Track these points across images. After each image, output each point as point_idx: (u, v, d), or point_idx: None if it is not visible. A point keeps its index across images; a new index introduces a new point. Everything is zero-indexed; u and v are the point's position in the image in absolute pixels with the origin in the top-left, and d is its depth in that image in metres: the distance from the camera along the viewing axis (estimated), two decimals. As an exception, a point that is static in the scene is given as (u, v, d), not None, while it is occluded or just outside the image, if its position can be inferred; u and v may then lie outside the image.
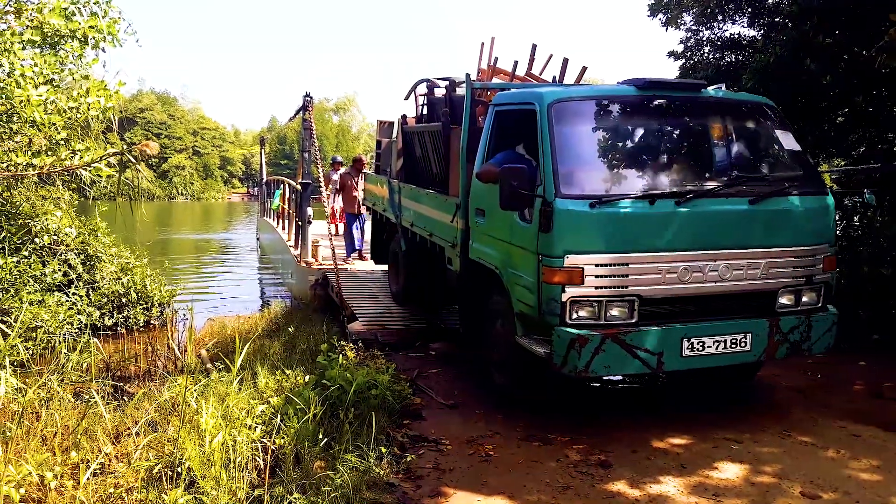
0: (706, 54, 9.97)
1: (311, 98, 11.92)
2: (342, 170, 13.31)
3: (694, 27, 9.86)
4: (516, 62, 7.93)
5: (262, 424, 4.37)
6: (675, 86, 5.20)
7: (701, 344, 4.54)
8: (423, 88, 8.38)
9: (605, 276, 4.41)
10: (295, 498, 3.58)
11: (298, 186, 12.65)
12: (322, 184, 11.07)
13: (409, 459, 4.34)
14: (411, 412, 5.22)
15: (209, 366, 6.07)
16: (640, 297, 4.47)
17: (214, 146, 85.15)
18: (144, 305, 10.02)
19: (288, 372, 5.51)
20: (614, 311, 4.45)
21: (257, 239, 23.57)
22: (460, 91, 7.06)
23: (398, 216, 8.08)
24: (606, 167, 4.84)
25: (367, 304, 8.96)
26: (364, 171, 12.03)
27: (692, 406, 5.32)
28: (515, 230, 4.86)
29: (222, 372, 5.36)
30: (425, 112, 8.21)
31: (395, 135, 8.94)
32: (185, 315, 10.12)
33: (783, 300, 4.81)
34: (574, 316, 4.42)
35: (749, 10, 9.29)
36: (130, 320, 9.70)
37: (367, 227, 11.54)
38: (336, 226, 13.39)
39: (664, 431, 4.76)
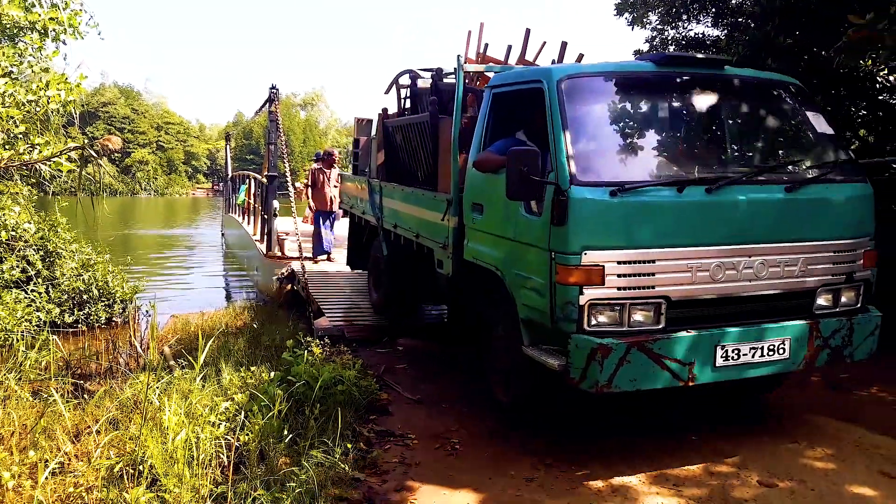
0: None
1: (278, 90, 11.79)
2: (314, 165, 12.71)
3: (659, 26, 9.97)
4: (510, 47, 7.49)
5: (226, 421, 4.33)
6: (696, 62, 4.61)
7: (736, 352, 4.02)
8: (405, 80, 7.83)
9: (629, 276, 3.89)
10: (259, 494, 3.56)
11: (264, 180, 12.52)
12: (289, 179, 10.91)
13: (375, 454, 4.34)
14: (378, 407, 5.22)
15: (172, 363, 5.98)
16: (667, 298, 3.95)
17: (179, 141, 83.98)
18: (106, 302, 9.84)
19: (253, 369, 5.46)
20: (639, 316, 3.93)
21: (222, 235, 23.30)
22: (449, 80, 6.67)
23: (379, 218, 7.41)
24: (625, 151, 4.31)
25: (335, 299, 8.92)
26: (335, 167, 11.63)
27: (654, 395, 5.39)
28: (521, 225, 4.33)
29: (186, 369, 5.30)
30: (408, 105, 7.76)
31: (373, 131, 8.41)
32: (147, 312, 9.96)
33: (821, 300, 4.32)
34: (593, 322, 3.88)
35: (713, 10, 9.43)
36: (91, 317, 9.52)
37: (342, 226, 11.08)
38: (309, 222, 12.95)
39: (628, 424, 4.82)
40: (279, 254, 11.80)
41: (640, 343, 3.84)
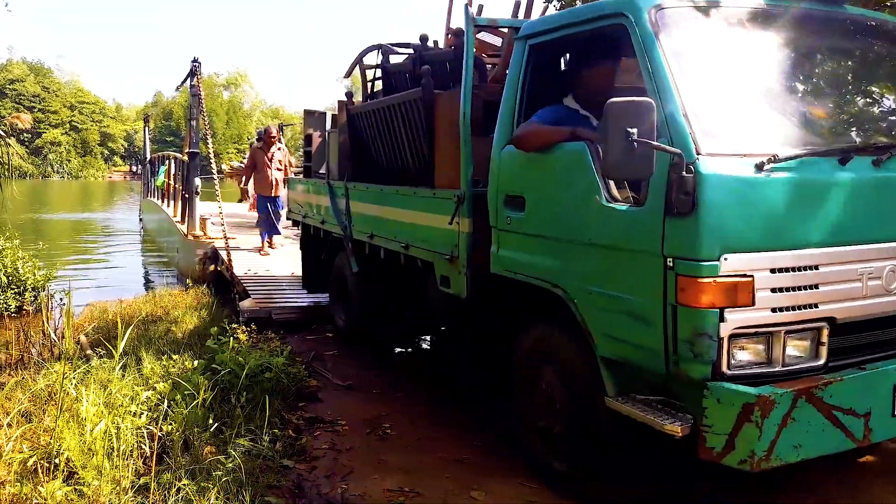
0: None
1: (200, 63, 11.29)
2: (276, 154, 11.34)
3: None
4: (517, 3, 6.10)
5: (147, 411, 4.19)
6: None
7: None
8: (372, 58, 6.50)
9: (786, 290, 2.78)
10: (184, 484, 3.46)
11: (185, 158, 12.09)
12: (211, 161, 10.51)
13: (304, 441, 4.29)
14: (307, 394, 5.15)
15: (89, 352, 5.73)
16: (831, 320, 2.86)
17: (94, 121, 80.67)
18: (16, 290, 9.33)
19: (175, 357, 5.29)
20: (794, 349, 2.82)
21: (140, 219, 22.48)
22: (447, 48, 5.55)
23: (347, 227, 6.03)
24: (754, 108, 3.10)
25: (261, 279, 8.73)
26: (282, 146, 10.58)
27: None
28: (604, 220, 3.07)
29: (104, 358, 5.09)
30: (379, 88, 6.42)
31: (327, 126, 7.25)
32: (61, 300, 9.53)
33: None
34: (736, 361, 2.75)
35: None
36: (0, 306, 9.04)
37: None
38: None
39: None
40: (201, 233, 11.44)
41: (809, 391, 2.69)
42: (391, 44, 6.24)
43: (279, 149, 10.52)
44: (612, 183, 3.08)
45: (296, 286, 8.57)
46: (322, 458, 4.11)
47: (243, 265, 9.37)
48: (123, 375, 4.72)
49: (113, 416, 3.89)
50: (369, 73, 6.60)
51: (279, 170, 10.30)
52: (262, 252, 10.29)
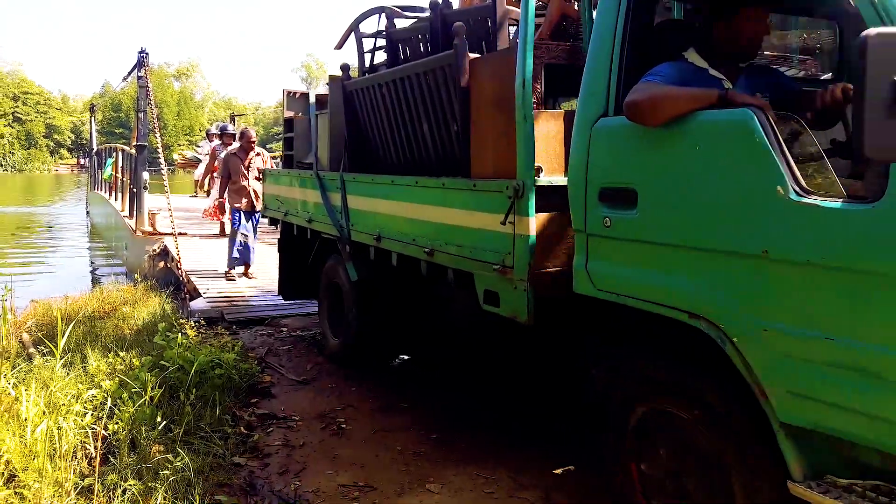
0: None
1: (147, 54, 11.06)
2: (228, 146, 10.48)
3: None
4: None
5: (92, 410, 4.06)
6: None
7: None
8: (368, 26, 5.51)
9: None
10: (130, 484, 3.36)
11: (133, 151, 11.79)
12: (160, 153, 10.28)
13: (256, 438, 4.20)
14: (260, 391, 5.06)
15: (32, 350, 5.54)
16: None
17: (39, 113, 78.35)
18: (-46, 287, 8.99)
19: (122, 354, 5.14)
20: None
21: (87, 213, 21.87)
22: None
23: (344, 228, 5.07)
24: None
25: (212, 277, 8.56)
26: (260, 151, 9.12)
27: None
28: (793, 222, 2.13)
29: (47, 357, 4.92)
30: (380, 58, 5.58)
31: (312, 108, 6.26)
32: (2, 297, 9.20)
33: None
34: None
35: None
36: (-64, 304, 8.67)
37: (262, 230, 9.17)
38: (222, 225, 11.01)
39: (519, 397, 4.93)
40: (150, 228, 11.17)
41: None
42: (396, 6, 5.26)
43: (258, 154, 8.99)
44: (798, 168, 2.17)
45: (249, 283, 8.42)
46: (275, 454, 4.04)
47: (194, 261, 9.18)
48: (68, 374, 4.57)
49: (55, 416, 3.76)
50: (367, 44, 5.63)
51: (258, 179, 8.45)
52: (227, 276, 8.65)
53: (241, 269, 8.79)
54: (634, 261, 2.69)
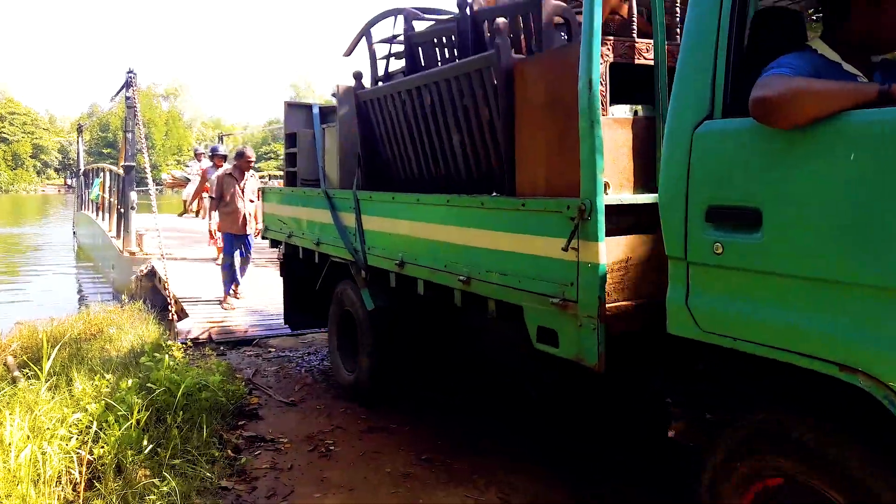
0: None
1: (135, 74, 11.11)
2: (219, 168, 10.15)
3: None
4: None
5: (78, 434, 4.01)
6: None
7: None
8: (380, 31, 5.13)
9: None
10: (116, 511, 3.32)
11: (121, 171, 11.76)
12: (148, 173, 10.23)
13: (244, 461, 4.16)
14: (247, 412, 5.02)
15: (17, 373, 5.47)
16: None
17: (26, 133, 78.07)
18: (-63, 309, 8.91)
19: (109, 376, 5.10)
20: None
21: (74, 233, 21.72)
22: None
23: (359, 251, 4.64)
24: None
25: (200, 298, 8.51)
26: (252, 175, 8.57)
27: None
28: None
29: (31, 380, 4.86)
30: (395, 65, 5.16)
31: (316, 122, 5.83)
32: (-12, 319, 9.11)
33: None
34: None
35: None
36: (-80, 326, 8.58)
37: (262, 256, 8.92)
38: (219, 250, 10.30)
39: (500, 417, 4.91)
40: (137, 249, 11.12)
41: None
42: (415, 8, 4.87)
43: (252, 176, 8.57)
44: None
45: (238, 301, 8.37)
46: (262, 477, 3.99)
47: (182, 283, 9.13)
48: (53, 397, 4.52)
49: (40, 441, 3.71)
50: (380, 50, 5.17)
51: (252, 202, 8.28)
52: (223, 305, 8.30)
53: (248, 297, 8.54)
54: (758, 296, 2.14)
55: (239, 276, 8.45)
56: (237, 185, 8.16)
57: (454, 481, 3.90)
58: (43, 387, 4.40)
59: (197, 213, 14.79)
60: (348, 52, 5.35)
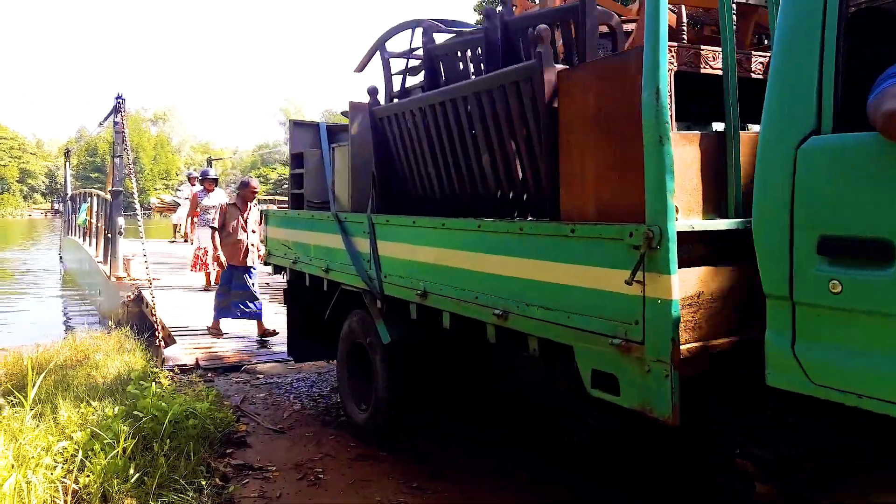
0: None
1: (124, 100, 11.11)
2: (218, 195, 10.31)
3: None
4: None
5: (63, 463, 3.95)
6: None
7: None
8: (395, 44, 4.88)
9: None
10: (101, 542, 3.27)
11: (108, 196, 11.72)
12: (136, 198, 10.19)
13: (231, 490, 4.11)
14: (235, 440, 4.96)
15: (1, 401, 5.40)
16: None
17: (12, 157, 77.83)
18: (-80, 335, 8.79)
19: (94, 404, 5.04)
20: None
21: (60, 258, 21.57)
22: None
23: (374, 280, 4.32)
24: None
25: (187, 324, 8.45)
26: (255, 205, 8.23)
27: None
28: None
29: (16, 407, 4.80)
30: (411, 80, 4.97)
31: (324, 141, 5.57)
32: (-29, 345, 9.00)
33: None
34: None
35: None
36: None
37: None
38: (207, 277, 10.48)
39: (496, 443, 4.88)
40: (125, 275, 11.05)
41: None
42: (436, 20, 4.61)
43: (255, 205, 8.31)
44: None
45: (225, 327, 8.32)
46: (251, 506, 3.95)
47: (169, 307, 9.08)
48: (38, 425, 4.46)
49: (24, 470, 3.65)
50: (395, 65, 4.93)
51: (254, 232, 8.02)
52: (211, 331, 8.11)
53: (235, 322, 8.20)
54: (892, 345, 1.80)
55: (257, 309, 7.95)
56: (240, 216, 7.95)
57: (444, 509, 3.87)
58: (28, 414, 4.34)
59: (185, 236, 14.73)
60: (360, 68, 5.09)
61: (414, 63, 4.97)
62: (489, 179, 3.59)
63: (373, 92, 4.57)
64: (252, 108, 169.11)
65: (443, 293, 3.59)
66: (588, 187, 2.81)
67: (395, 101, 4.70)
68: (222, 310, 8.01)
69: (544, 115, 3.03)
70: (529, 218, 3.20)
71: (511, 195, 3.46)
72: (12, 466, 3.67)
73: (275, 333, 7.92)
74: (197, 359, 7.10)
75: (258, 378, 6.73)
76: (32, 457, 3.88)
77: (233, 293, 7.89)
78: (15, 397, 5.01)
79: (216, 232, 8.01)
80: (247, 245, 7.92)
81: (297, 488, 4.20)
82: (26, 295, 17.02)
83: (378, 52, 4.85)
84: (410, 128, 4.15)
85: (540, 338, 2.94)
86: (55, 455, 4.00)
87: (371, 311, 4.55)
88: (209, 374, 6.68)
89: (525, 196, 3.35)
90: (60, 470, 3.82)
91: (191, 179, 15.50)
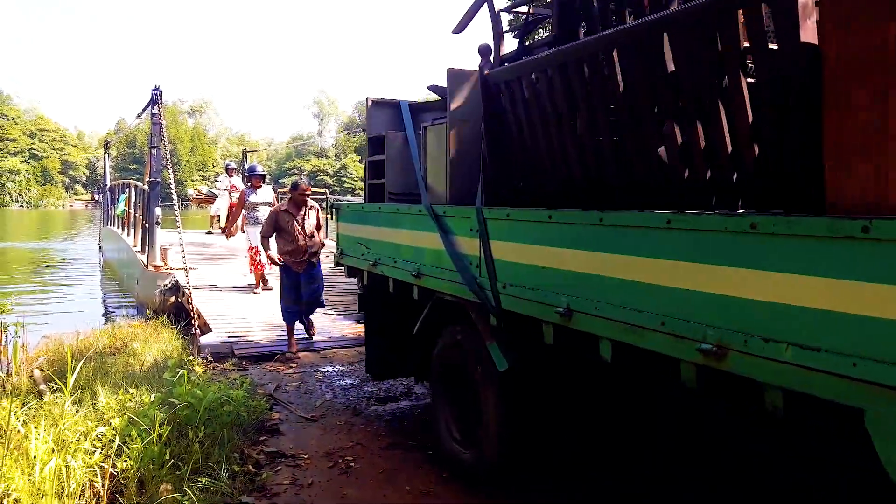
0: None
1: (161, 91, 11.24)
2: (265, 191, 10.15)
3: None
4: None
5: (101, 448, 4.05)
6: None
7: None
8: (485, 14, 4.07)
9: None
10: (137, 525, 3.34)
11: (146, 187, 11.90)
12: (173, 189, 10.30)
13: (264, 476, 4.17)
14: (268, 428, 5.03)
15: (43, 387, 5.55)
16: None
17: (55, 149, 79.58)
18: (-33, 322, 9.05)
19: (132, 391, 5.15)
20: None
21: (100, 248, 22.03)
22: None
23: (486, 290, 3.44)
24: None
25: (223, 312, 8.58)
26: (312, 207, 7.49)
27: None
28: None
29: (57, 393, 4.93)
30: (537, 37, 4.20)
31: (406, 122, 4.90)
32: (16, 333, 9.25)
33: None
34: None
35: None
36: (-50, 339, 8.72)
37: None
38: (260, 278, 10.07)
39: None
40: (162, 264, 11.24)
41: None
42: None
43: (311, 207, 7.52)
44: None
45: (259, 317, 8.42)
46: (282, 493, 4.00)
47: (204, 296, 9.22)
48: (77, 411, 4.58)
49: (64, 454, 3.75)
50: (504, 19, 4.13)
51: (312, 236, 7.37)
52: (291, 353, 7.26)
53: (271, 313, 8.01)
54: None
55: (305, 318, 7.65)
56: (295, 221, 7.28)
57: (475, 500, 3.88)
58: (68, 400, 4.45)
59: (223, 230, 14.81)
60: (460, 28, 4.27)
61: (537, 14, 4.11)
62: (673, 157, 2.71)
63: (485, 51, 3.74)
64: (286, 101, 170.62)
65: (599, 313, 2.68)
66: (886, 165, 1.90)
67: (505, 65, 3.76)
68: (291, 312, 7.41)
69: (794, 58, 2.19)
70: (742, 210, 2.37)
71: (710, 177, 2.59)
72: (53, 451, 3.78)
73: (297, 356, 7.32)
74: (232, 346, 7.21)
75: (291, 367, 6.81)
76: (72, 442, 3.98)
77: (304, 303, 7.40)
78: (56, 384, 5.15)
79: (266, 240, 7.39)
80: (305, 249, 7.31)
81: (328, 476, 4.25)
82: (67, 284, 17.44)
83: (486, 4, 4.03)
84: (548, 93, 3.26)
85: (788, 390, 2.00)
86: (94, 440, 4.11)
87: (480, 330, 3.64)
88: (243, 363, 6.78)
89: (736, 178, 2.50)
90: (99, 455, 3.91)
91: (229, 171, 15.60)
